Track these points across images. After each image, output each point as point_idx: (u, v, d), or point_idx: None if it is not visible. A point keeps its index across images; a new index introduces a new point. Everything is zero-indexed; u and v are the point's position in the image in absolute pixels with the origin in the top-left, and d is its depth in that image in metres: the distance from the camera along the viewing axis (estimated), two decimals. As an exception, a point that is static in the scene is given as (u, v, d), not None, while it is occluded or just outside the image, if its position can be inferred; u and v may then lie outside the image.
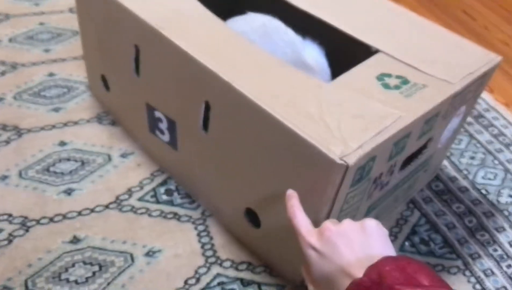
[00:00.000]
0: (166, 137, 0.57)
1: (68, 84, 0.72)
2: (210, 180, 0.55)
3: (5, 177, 0.59)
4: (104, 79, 0.64)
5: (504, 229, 0.61)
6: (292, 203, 0.42)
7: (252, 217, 0.52)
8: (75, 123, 0.66)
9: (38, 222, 0.54)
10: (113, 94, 0.64)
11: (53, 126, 0.65)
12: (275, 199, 0.47)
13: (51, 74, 0.74)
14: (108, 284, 0.50)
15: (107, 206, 0.57)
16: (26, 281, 0.49)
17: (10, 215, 0.55)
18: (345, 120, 0.43)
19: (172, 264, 0.53)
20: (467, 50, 0.55)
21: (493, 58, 0.54)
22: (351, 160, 0.39)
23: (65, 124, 0.66)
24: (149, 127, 0.59)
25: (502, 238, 0.60)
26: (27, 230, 0.53)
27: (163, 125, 0.56)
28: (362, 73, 0.49)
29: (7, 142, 0.63)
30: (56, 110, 0.68)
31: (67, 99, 0.70)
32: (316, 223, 0.41)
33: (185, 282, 0.52)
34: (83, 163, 0.62)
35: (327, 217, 0.43)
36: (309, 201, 0.43)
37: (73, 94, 0.71)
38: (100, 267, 0.52)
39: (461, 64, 0.52)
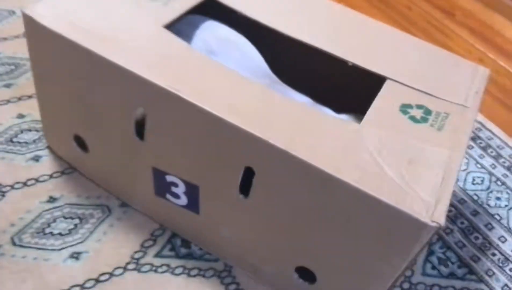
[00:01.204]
0: (182, 201, 0.51)
1: (14, 62, 0.73)
2: (246, 242, 0.51)
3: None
4: (79, 139, 0.55)
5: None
6: None
7: (303, 273, 0.49)
8: (29, 97, 0.68)
9: (12, 187, 0.57)
10: (94, 156, 0.56)
11: (8, 101, 0.67)
12: (336, 255, 0.45)
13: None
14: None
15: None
16: (12, 238, 0.52)
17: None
18: (403, 168, 0.42)
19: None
20: (458, 65, 0.56)
21: (483, 71, 0.56)
22: (441, 219, 0.38)
23: (20, 98, 0.68)
24: (156, 191, 0.52)
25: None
26: (3, 195, 0.56)
27: (179, 190, 0.50)
28: (384, 107, 0.48)
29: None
30: (8, 86, 0.69)
31: (16, 75, 0.71)
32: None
33: None
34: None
35: (403, 272, 0.43)
36: (383, 258, 0.42)
37: (21, 70, 0.72)
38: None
39: (461, 82, 0.53)
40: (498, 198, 0.68)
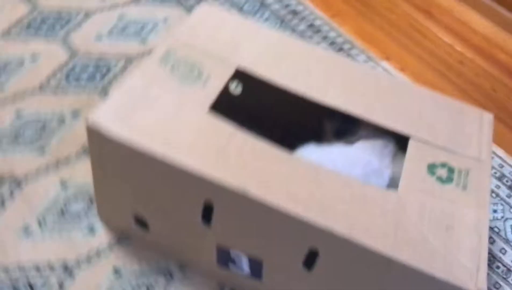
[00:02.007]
0: (245, 271, 0.57)
1: (40, 120, 0.75)
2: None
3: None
4: (139, 219, 0.60)
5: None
6: None
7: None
8: (66, 159, 0.71)
9: (78, 264, 0.61)
10: (155, 234, 0.61)
11: (47, 168, 0.70)
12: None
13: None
14: None
15: None
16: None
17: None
18: (444, 235, 0.49)
19: None
20: (464, 113, 0.63)
21: (487, 118, 0.62)
22: (484, 285, 0.46)
23: (57, 163, 0.70)
24: (218, 261, 0.58)
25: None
26: (71, 276, 0.60)
27: (243, 263, 0.56)
28: (414, 170, 0.55)
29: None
30: (41, 149, 0.72)
31: (47, 136, 0.73)
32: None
33: None
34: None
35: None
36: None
37: (50, 130, 0.74)
38: None
39: (472, 133, 0.60)
40: (494, 211, 0.78)
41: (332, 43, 1.03)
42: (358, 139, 0.63)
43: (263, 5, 1.09)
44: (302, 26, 1.06)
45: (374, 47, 1.07)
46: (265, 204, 0.49)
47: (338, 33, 1.06)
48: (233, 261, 0.57)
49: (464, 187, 0.55)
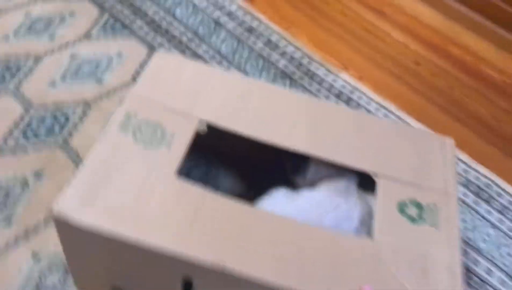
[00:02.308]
0: None
1: (2, 187, 0.73)
2: None
3: None
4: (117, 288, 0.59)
5: None
6: None
7: None
8: (35, 229, 0.69)
9: None
10: None
11: (16, 240, 0.68)
12: None
13: None
14: None
15: None
16: None
17: None
18: (421, 280, 0.51)
19: None
20: (426, 140, 0.64)
21: (449, 144, 0.64)
22: None
23: (26, 233, 0.69)
24: None
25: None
26: None
27: None
28: (385, 211, 0.56)
29: None
30: (8, 220, 0.69)
31: (11, 205, 0.71)
32: None
33: None
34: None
35: None
36: None
37: (14, 197, 0.72)
38: None
39: (436, 162, 0.62)
40: (464, 221, 0.81)
41: (291, 59, 1.03)
42: (320, 179, 0.64)
43: (218, 24, 1.07)
44: (259, 44, 1.05)
45: (331, 57, 1.08)
46: (245, 277, 0.49)
47: (296, 46, 1.06)
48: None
49: (435, 225, 0.57)
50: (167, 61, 0.69)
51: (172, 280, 0.53)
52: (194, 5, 1.09)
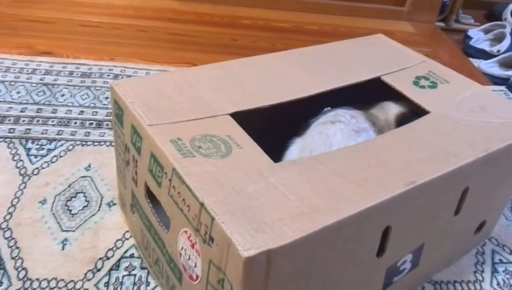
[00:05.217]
0: (407, 270, 0.54)
1: None
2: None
3: None
4: None
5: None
6: None
7: None
8: None
9: None
10: None
11: None
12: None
13: None
14: None
15: None
16: None
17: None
18: (480, 114, 0.57)
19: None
20: (370, 42, 0.73)
21: (381, 37, 0.74)
22: None
23: None
24: (384, 286, 0.53)
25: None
26: None
27: (406, 263, 0.53)
28: (413, 94, 0.60)
29: None
30: None
31: None
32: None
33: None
34: None
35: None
36: None
37: None
38: None
39: (398, 51, 0.71)
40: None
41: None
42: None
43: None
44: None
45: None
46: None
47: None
48: (398, 272, 0.52)
49: (445, 82, 0.65)
50: (131, 86, 0.56)
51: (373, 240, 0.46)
52: None
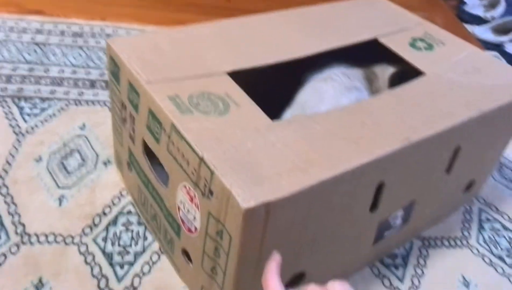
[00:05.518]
0: (398, 225, 0.56)
1: None
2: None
3: None
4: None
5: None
6: (271, 266, 0.37)
7: None
8: None
9: None
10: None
11: None
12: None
13: None
14: None
15: None
16: None
17: None
18: (475, 75, 0.58)
19: None
20: (366, 4, 0.73)
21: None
22: None
23: None
24: (375, 240, 0.55)
25: None
26: None
27: (398, 218, 0.55)
28: (409, 55, 0.61)
29: None
30: None
31: None
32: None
33: None
34: None
35: None
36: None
37: None
38: None
39: (392, 12, 0.71)
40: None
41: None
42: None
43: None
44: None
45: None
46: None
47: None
48: (389, 227, 0.54)
49: (441, 43, 0.66)
50: (127, 43, 0.55)
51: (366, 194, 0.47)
52: None
